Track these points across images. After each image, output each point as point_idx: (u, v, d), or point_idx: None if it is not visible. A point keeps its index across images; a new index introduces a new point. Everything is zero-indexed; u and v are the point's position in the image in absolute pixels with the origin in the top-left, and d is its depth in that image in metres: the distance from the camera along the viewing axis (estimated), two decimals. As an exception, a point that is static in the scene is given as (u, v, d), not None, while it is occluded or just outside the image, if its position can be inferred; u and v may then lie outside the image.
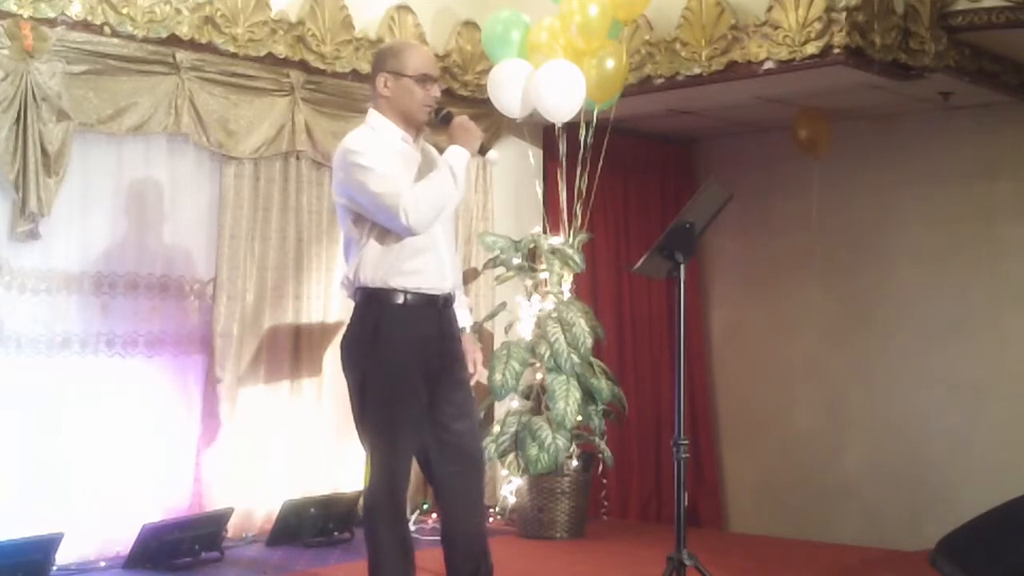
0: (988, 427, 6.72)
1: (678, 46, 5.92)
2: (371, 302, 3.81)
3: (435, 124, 3.91)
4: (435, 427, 3.83)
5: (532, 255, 5.95)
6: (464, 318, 4.05)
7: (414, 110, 3.84)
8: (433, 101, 3.85)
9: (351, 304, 6.14)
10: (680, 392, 4.15)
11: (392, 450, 3.79)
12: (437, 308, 3.83)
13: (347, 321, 5.94)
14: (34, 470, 4.91)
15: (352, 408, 3.86)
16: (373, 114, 3.88)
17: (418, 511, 6.08)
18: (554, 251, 5.89)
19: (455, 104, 6.31)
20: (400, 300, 3.77)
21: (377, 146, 3.78)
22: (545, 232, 6.29)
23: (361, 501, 5.81)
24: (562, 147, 6.08)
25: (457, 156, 3.78)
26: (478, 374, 4.05)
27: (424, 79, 3.82)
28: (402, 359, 3.75)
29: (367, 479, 3.83)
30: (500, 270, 5.99)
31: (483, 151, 3.86)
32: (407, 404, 3.77)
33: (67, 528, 4.73)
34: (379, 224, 3.74)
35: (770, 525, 7.04)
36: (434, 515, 5.89)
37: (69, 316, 5.05)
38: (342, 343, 3.90)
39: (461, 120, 3.84)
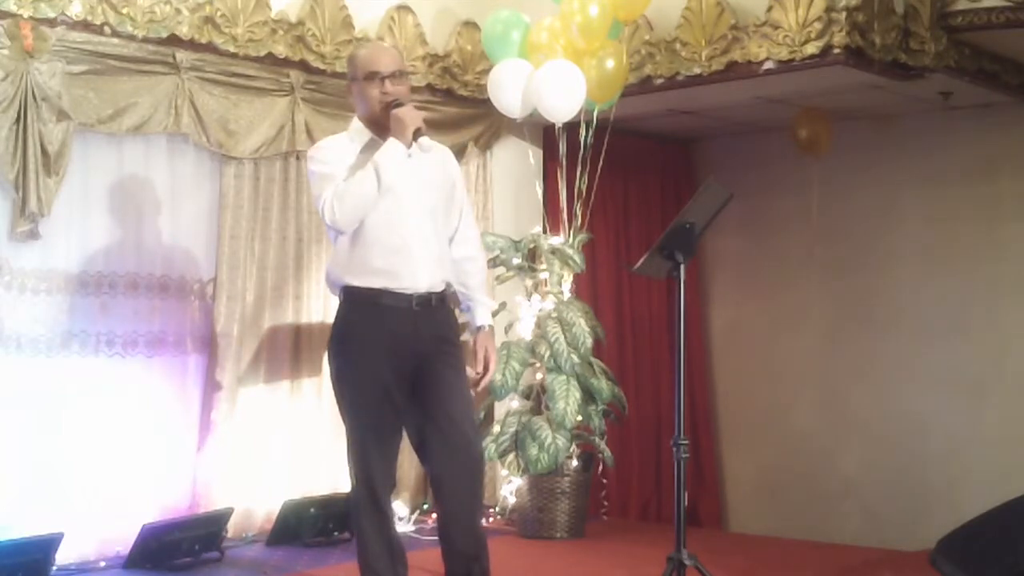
0: (988, 427, 6.72)
1: (678, 46, 5.92)
2: (344, 300, 3.87)
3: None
4: (429, 426, 3.83)
5: (532, 255, 5.95)
6: (482, 316, 4.04)
7: (370, 109, 3.86)
8: (384, 96, 3.82)
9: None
10: (680, 392, 4.15)
11: (363, 447, 3.84)
12: (411, 308, 3.81)
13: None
14: (34, 470, 4.91)
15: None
16: (353, 120, 3.96)
17: (418, 511, 6.09)
18: (554, 251, 5.89)
19: (455, 104, 6.33)
20: (368, 299, 3.80)
21: (336, 150, 3.85)
22: (545, 232, 6.29)
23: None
24: (562, 147, 6.08)
25: (384, 150, 3.76)
26: (489, 374, 4.02)
27: (371, 77, 3.82)
28: (369, 358, 3.79)
29: (350, 477, 3.90)
30: (500, 270, 5.98)
31: (416, 138, 3.78)
32: (375, 403, 3.80)
33: (67, 528, 4.73)
34: None
35: (770, 525, 7.04)
36: (434, 515, 5.89)
37: (69, 316, 5.05)
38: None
39: (396, 111, 3.79)
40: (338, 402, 3.95)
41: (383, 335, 3.79)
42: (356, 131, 3.92)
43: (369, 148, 3.84)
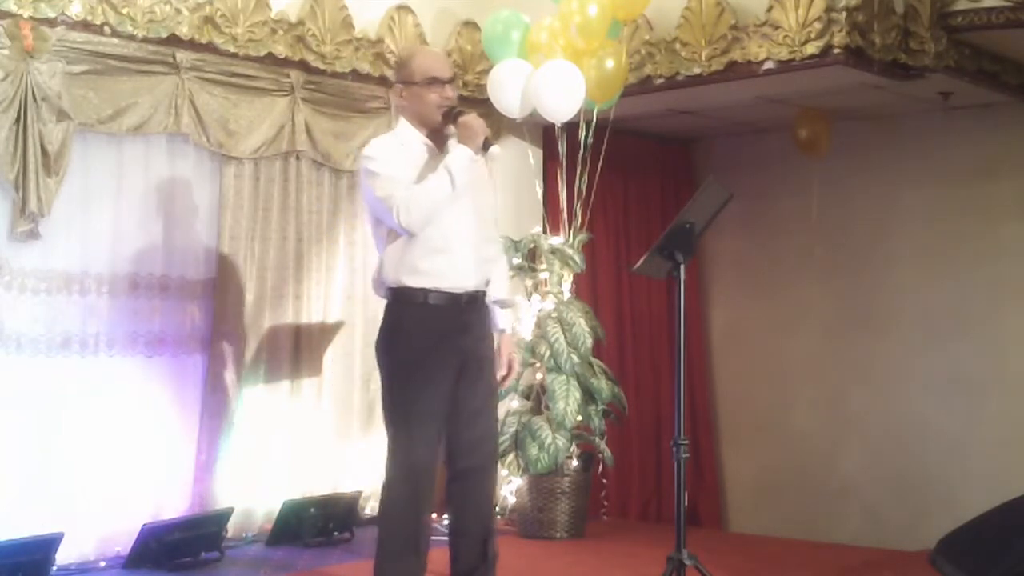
0: (988, 427, 6.72)
1: (678, 46, 5.92)
2: (392, 301, 3.95)
3: (448, 123, 3.96)
4: (453, 424, 3.93)
5: (532, 255, 5.95)
6: (505, 319, 4.14)
7: (427, 113, 3.94)
8: (445, 101, 3.92)
9: (352, 304, 6.22)
10: (680, 392, 4.16)
11: (410, 442, 3.87)
12: (458, 306, 3.89)
13: (348, 322, 6.02)
14: (34, 470, 4.91)
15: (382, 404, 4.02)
16: (399, 121, 4.03)
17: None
18: (554, 251, 5.89)
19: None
20: (417, 299, 3.88)
21: (392, 152, 3.91)
22: (545, 232, 6.29)
23: (361, 500, 5.87)
24: (562, 147, 6.08)
25: (456, 156, 3.85)
26: (512, 376, 4.13)
27: (432, 82, 3.92)
28: (419, 357, 3.87)
29: (387, 470, 3.93)
30: (500, 270, 5.98)
31: (486, 147, 3.89)
32: (425, 398, 3.86)
33: (67, 528, 4.74)
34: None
35: (770, 525, 7.04)
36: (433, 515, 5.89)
37: (69, 316, 5.05)
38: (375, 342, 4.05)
39: (464, 119, 3.90)
40: (384, 400, 3.97)
41: (430, 333, 3.87)
42: (405, 133, 3.99)
43: (431, 152, 3.92)
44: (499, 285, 4.12)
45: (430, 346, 3.86)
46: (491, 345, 4.05)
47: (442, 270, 3.86)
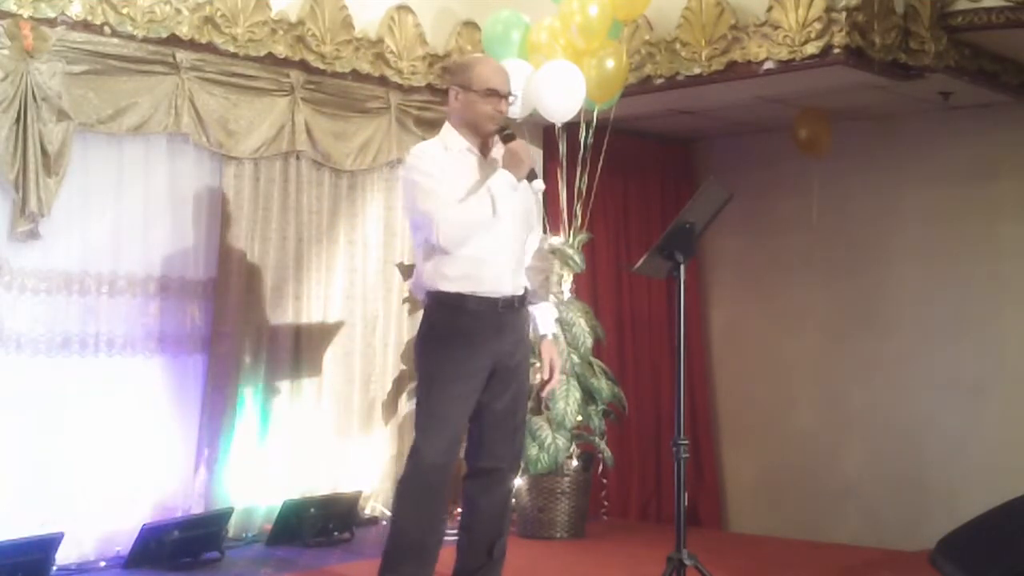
0: (988, 427, 6.71)
1: (678, 46, 5.92)
2: (431, 303, 3.98)
3: (495, 136, 4.00)
4: (477, 423, 3.98)
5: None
6: (546, 324, 4.17)
7: (479, 122, 3.96)
8: (498, 114, 3.94)
9: (351, 305, 6.22)
10: (680, 392, 4.16)
11: (424, 443, 3.90)
12: (494, 311, 3.91)
13: (348, 322, 6.03)
14: (34, 470, 4.92)
15: None
16: (445, 126, 4.05)
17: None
18: (554, 251, 5.89)
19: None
20: (453, 303, 3.90)
21: (436, 159, 3.93)
22: (545, 232, 6.28)
23: (361, 500, 5.87)
24: (562, 147, 6.08)
25: (500, 181, 3.87)
26: (553, 382, 4.17)
27: (490, 93, 3.93)
28: (449, 360, 3.90)
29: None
30: (500, 270, 5.97)
31: (530, 178, 3.92)
32: (447, 402, 3.90)
33: (67, 528, 4.75)
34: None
35: (770, 525, 7.03)
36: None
37: (69, 316, 5.05)
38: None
39: (513, 146, 3.92)
40: (417, 398, 4.03)
41: (466, 336, 3.89)
42: (451, 139, 4.00)
43: (475, 158, 3.94)
44: (539, 291, 4.15)
45: (462, 349, 3.89)
46: (527, 349, 4.08)
47: (478, 275, 3.88)
